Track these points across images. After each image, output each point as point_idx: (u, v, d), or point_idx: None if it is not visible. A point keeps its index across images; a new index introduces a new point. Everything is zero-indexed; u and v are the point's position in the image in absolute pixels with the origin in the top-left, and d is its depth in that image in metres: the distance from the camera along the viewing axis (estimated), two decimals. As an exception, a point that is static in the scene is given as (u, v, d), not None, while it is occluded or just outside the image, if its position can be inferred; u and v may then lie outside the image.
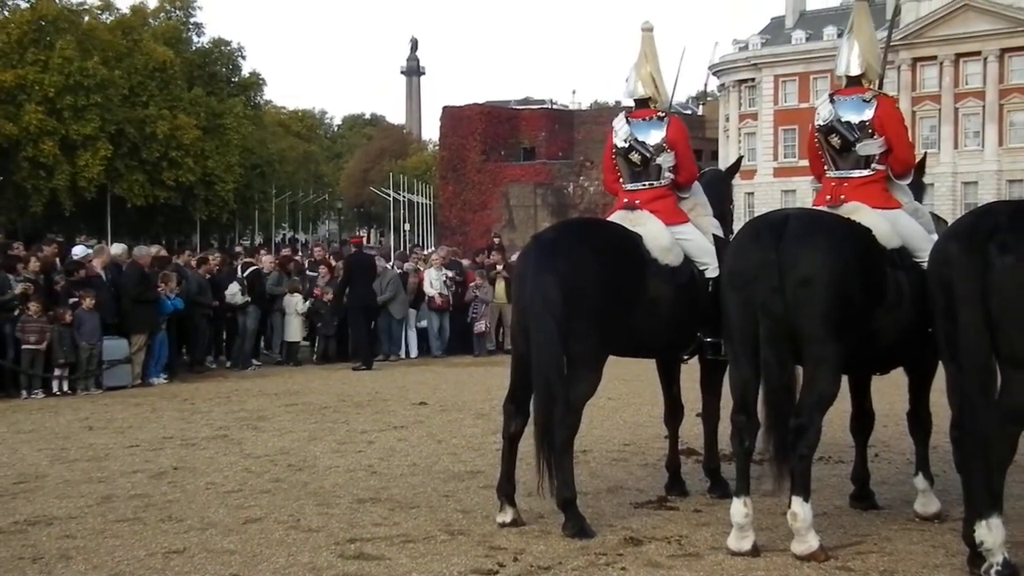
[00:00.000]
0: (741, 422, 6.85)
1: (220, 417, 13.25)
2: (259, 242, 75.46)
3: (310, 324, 21.18)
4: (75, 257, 18.30)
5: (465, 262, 24.85)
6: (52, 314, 15.87)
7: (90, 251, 19.57)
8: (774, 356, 6.60)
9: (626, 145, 8.16)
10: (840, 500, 8.11)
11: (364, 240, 27.27)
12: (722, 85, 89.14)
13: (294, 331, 20.39)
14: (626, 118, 8.26)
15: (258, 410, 13.86)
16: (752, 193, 79.74)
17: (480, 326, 22.05)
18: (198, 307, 18.40)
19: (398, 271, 22.45)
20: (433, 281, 22.08)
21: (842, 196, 7.37)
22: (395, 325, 21.50)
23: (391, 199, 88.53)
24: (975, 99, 75.13)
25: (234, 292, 19.24)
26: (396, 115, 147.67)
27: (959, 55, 75.10)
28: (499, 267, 22.63)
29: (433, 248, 34.79)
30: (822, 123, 7.60)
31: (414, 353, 21.93)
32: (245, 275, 19.98)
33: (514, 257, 21.00)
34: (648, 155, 8.09)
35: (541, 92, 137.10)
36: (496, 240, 32.76)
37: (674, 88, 8.62)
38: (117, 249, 18.93)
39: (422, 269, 22.74)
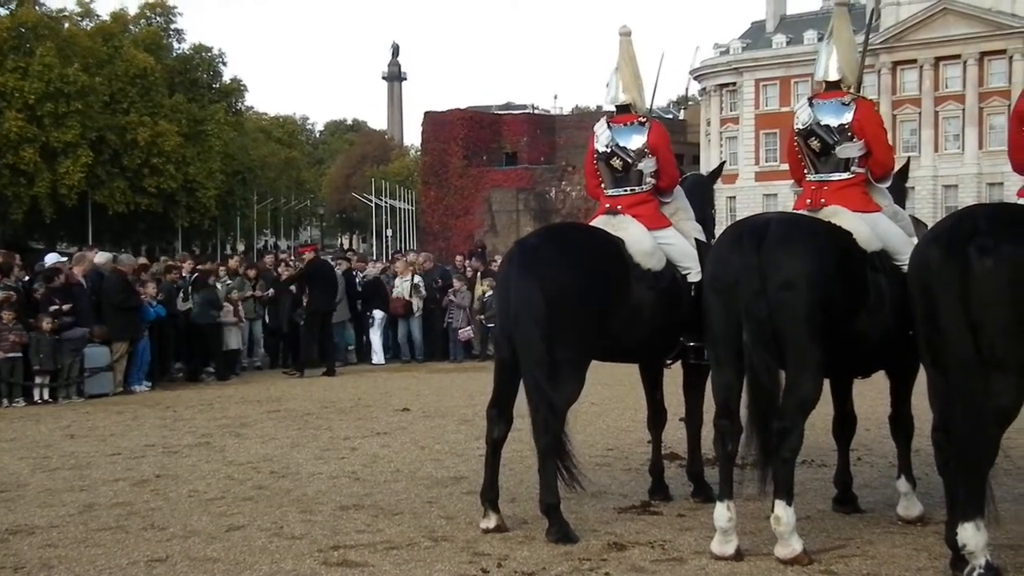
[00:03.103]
0: (724, 426, 6.86)
1: (202, 424, 13.21)
2: (241, 249, 75.33)
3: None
4: (47, 265, 18.19)
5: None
6: (32, 321, 15.80)
7: (63, 259, 19.47)
8: (757, 360, 6.60)
9: (607, 150, 8.17)
10: (823, 504, 8.13)
11: (318, 248, 27.48)
12: (703, 89, 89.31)
13: (232, 339, 19.90)
14: (607, 123, 8.27)
15: (240, 417, 13.83)
16: (734, 197, 79.92)
17: (467, 333, 22.05)
18: (169, 316, 18.29)
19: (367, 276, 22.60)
20: (397, 286, 22.24)
21: (822, 200, 7.38)
22: (337, 330, 21.43)
23: (373, 205, 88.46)
24: (955, 102, 75.47)
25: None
26: (378, 121, 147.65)
27: (939, 59, 75.44)
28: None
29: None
30: (801, 127, 7.61)
31: (379, 359, 21.96)
32: (191, 281, 19.82)
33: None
34: (629, 160, 8.10)
35: (522, 97, 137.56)
36: (480, 248, 32.74)
37: (653, 93, 8.64)
38: (101, 258, 18.79)
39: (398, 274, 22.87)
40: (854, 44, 7.93)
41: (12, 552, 7.15)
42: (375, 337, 22.10)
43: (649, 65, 8.71)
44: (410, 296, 21.99)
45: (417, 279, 22.32)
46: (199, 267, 20.80)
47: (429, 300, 22.28)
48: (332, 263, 22.42)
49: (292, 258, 25.39)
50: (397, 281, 22.46)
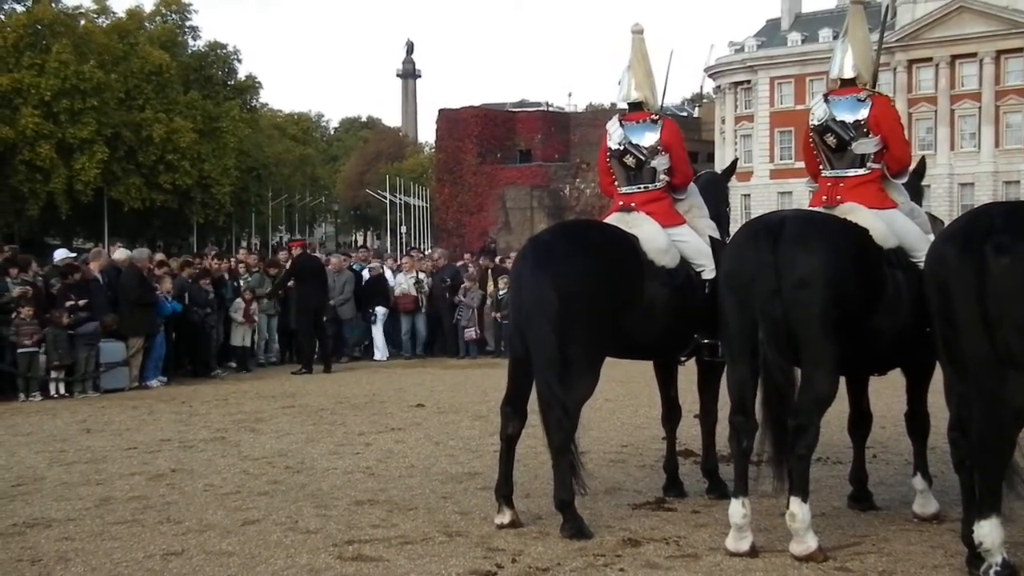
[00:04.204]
0: (739, 423, 6.86)
1: (218, 419, 13.25)
2: (256, 245, 75.60)
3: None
4: (56, 261, 18.25)
5: (460, 263, 24.89)
6: (48, 316, 15.87)
7: (72, 255, 19.52)
8: (771, 358, 6.60)
9: (620, 148, 8.17)
10: (838, 501, 8.12)
11: (306, 243, 27.73)
12: (718, 87, 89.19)
13: (239, 336, 19.87)
14: (620, 121, 8.27)
15: (256, 412, 13.86)
16: (748, 195, 79.78)
17: (470, 333, 22.08)
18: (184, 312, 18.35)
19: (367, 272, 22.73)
20: (401, 282, 22.32)
21: (838, 196, 7.37)
22: (344, 327, 21.60)
23: (387, 201, 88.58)
24: (971, 101, 75.22)
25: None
26: (392, 118, 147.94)
27: (955, 57, 75.18)
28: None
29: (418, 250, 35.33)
30: (817, 123, 7.60)
31: (383, 355, 22.04)
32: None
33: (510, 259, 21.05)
34: (642, 158, 8.10)
35: (537, 94, 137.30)
36: (492, 245, 32.83)
37: (663, 91, 8.63)
38: (121, 254, 18.85)
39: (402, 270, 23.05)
40: (869, 42, 7.91)
41: (29, 545, 7.19)
42: (377, 333, 22.18)
43: (663, 63, 8.73)
44: (417, 292, 22.11)
45: (421, 275, 22.44)
46: (199, 265, 20.74)
47: (437, 297, 22.36)
48: (334, 259, 22.52)
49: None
50: (402, 277, 22.55)
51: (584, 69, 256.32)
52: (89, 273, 17.11)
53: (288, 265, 21.13)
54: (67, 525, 7.72)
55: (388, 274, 23.10)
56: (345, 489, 8.84)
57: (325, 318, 20.31)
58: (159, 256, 18.82)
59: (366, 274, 22.81)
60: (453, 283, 22.54)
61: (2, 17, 64.13)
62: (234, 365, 19.59)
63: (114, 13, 71.18)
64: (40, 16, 62.14)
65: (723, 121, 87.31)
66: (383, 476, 9.41)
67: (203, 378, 18.35)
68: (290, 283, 20.46)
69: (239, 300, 19.59)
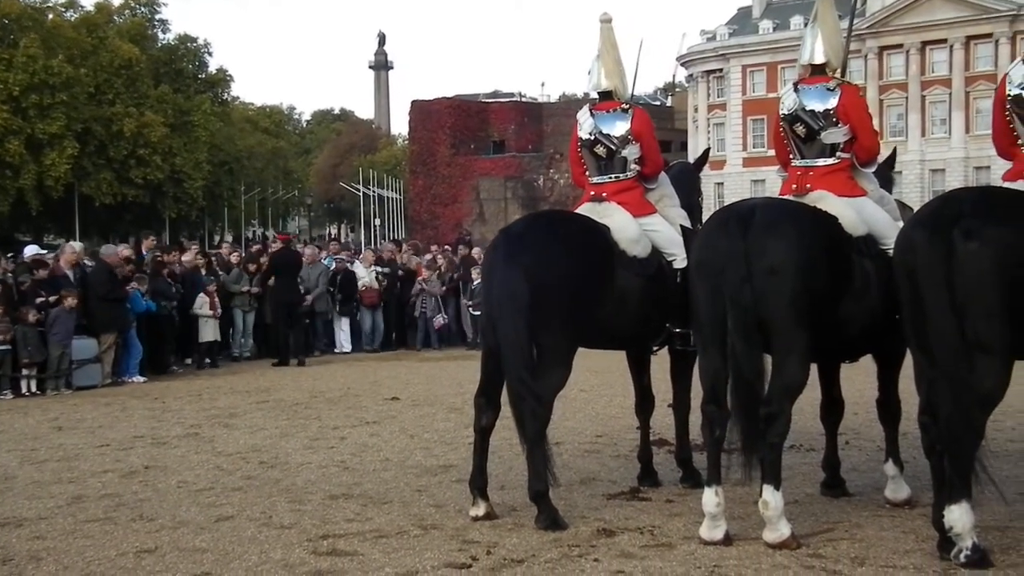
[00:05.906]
0: (712, 412, 6.86)
1: (191, 415, 13.19)
2: (229, 239, 75.22)
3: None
4: (26, 257, 18.11)
5: (428, 256, 24.94)
6: (18, 313, 15.75)
7: (43, 251, 19.41)
8: (743, 345, 6.60)
9: (591, 138, 8.17)
10: (811, 488, 8.16)
11: (291, 237, 27.93)
12: (690, 76, 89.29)
13: (207, 332, 19.67)
14: (590, 111, 8.27)
15: (229, 407, 13.81)
16: (722, 183, 79.93)
17: (439, 320, 22.22)
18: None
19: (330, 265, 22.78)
20: (363, 276, 22.42)
21: (808, 185, 7.40)
22: (318, 319, 21.71)
23: (361, 194, 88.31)
24: (942, 87, 75.62)
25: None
26: (365, 110, 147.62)
27: (925, 43, 75.54)
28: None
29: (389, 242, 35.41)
30: (787, 112, 7.62)
31: (347, 348, 22.17)
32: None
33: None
34: (613, 147, 8.09)
35: (510, 85, 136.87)
36: (467, 236, 32.89)
37: (633, 80, 8.61)
38: (76, 247, 18.75)
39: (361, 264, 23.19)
40: (839, 28, 7.94)
41: (0, 545, 7.12)
42: (341, 327, 22.23)
43: (633, 52, 8.71)
44: (379, 286, 22.18)
45: (378, 269, 22.59)
46: (156, 257, 20.52)
47: (387, 290, 22.60)
48: (308, 250, 22.56)
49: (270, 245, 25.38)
50: (362, 271, 22.60)
51: (557, 59, 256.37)
52: (59, 269, 16.99)
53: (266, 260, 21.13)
54: (39, 524, 7.66)
55: (359, 268, 23.12)
56: (319, 483, 8.82)
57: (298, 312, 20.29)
58: (125, 252, 18.59)
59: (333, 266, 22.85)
60: (391, 277, 22.81)
61: (-32, 12, 63.49)
62: (208, 361, 19.48)
63: (82, 7, 70.64)
64: (7, 10, 61.57)
65: (696, 110, 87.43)
66: (358, 470, 9.39)
67: (169, 372, 18.30)
68: (270, 280, 20.45)
69: (202, 295, 19.42)
